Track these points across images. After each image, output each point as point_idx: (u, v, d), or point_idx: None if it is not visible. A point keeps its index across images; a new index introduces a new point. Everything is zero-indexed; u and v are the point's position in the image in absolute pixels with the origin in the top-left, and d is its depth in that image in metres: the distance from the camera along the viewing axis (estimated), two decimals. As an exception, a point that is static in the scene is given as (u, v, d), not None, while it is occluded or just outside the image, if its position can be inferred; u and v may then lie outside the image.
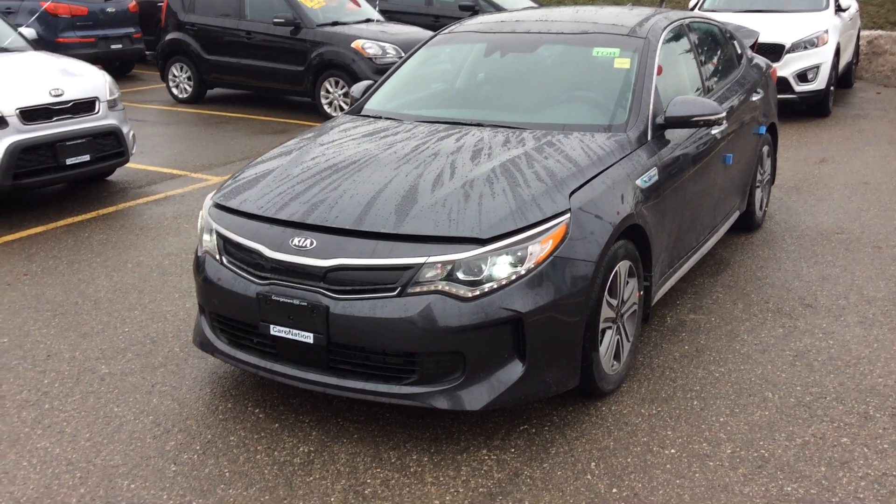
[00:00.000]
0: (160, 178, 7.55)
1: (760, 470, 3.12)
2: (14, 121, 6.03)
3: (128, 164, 7.31)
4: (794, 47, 9.71)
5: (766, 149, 5.91)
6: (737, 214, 5.51)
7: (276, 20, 10.46)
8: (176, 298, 4.79)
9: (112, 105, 6.80)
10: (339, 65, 10.11)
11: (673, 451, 3.25)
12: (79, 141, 6.44)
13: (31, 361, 4.04)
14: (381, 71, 9.64)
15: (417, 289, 3.07)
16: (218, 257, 3.51)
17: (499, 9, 12.60)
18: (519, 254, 3.13)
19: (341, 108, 10.20)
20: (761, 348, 4.11)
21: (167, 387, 3.78)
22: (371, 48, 10.02)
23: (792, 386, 3.74)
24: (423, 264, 3.07)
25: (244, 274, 3.37)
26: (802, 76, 9.73)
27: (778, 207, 6.47)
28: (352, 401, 3.61)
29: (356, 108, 4.68)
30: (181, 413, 3.56)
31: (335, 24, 10.59)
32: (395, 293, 3.08)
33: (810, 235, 5.80)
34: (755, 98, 5.53)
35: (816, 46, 9.76)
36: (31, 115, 6.16)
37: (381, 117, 4.44)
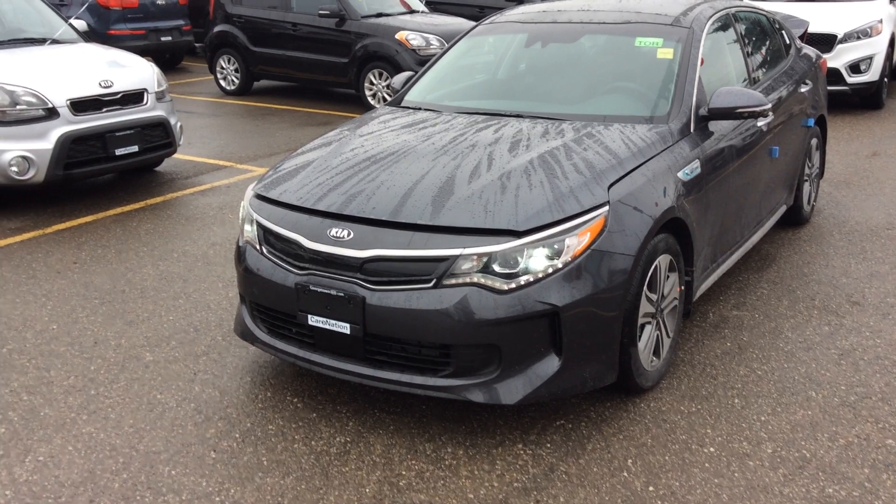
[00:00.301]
0: (206, 169, 7.67)
1: (801, 470, 3.06)
2: (65, 112, 6.17)
3: (175, 155, 7.44)
4: (847, 37, 9.46)
5: (814, 141, 5.78)
6: (783, 209, 5.40)
7: (321, 12, 10.54)
8: (219, 288, 4.87)
9: (160, 96, 6.92)
10: (383, 56, 10.15)
11: (712, 449, 3.21)
12: (128, 132, 6.57)
13: (78, 348, 4.14)
14: (425, 62, 9.64)
15: (453, 281, 3.07)
16: (258, 247, 3.55)
17: (544, -1, 12.49)
18: (556, 246, 3.11)
19: (384, 100, 10.23)
20: (806, 346, 4.02)
21: (209, 375, 3.85)
22: (415, 39, 10.03)
23: (836, 385, 3.66)
24: (458, 256, 3.07)
25: (283, 264, 3.41)
26: (855, 67, 9.48)
27: (827, 202, 6.32)
28: (388, 392, 3.63)
29: (396, 100, 4.69)
30: (222, 401, 3.62)
31: (379, 15, 10.62)
32: (430, 285, 3.09)
33: (860, 231, 5.65)
34: (804, 89, 5.40)
35: (870, 36, 9.50)
36: (81, 106, 6.29)
37: (420, 108, 4.44)
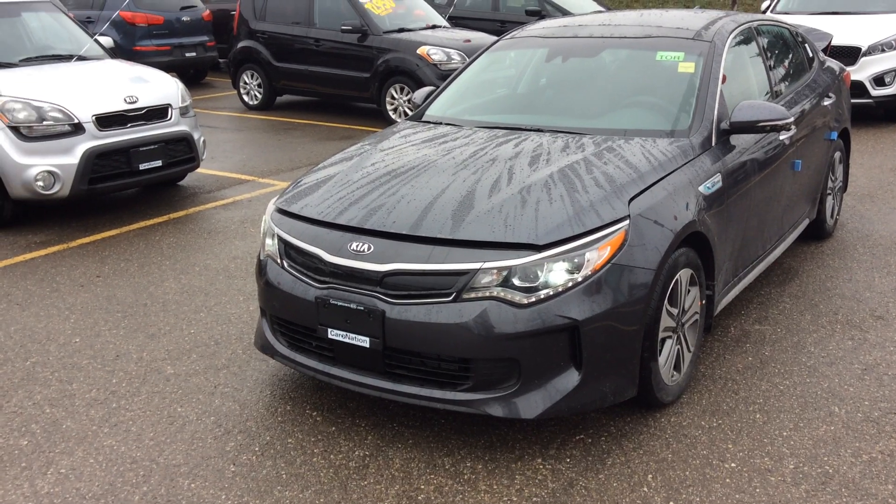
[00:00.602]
0: (229, 184, 7.73)
1: (824, 487, 3.02)
2: (90, 127, 6.26)
3: (198, 170, 7.51)
4: (871, 50, 9.39)
5: (837, 155, 5.73)
6: (806, 222, 5.35)
7: (343, 27, 10.62)
8: (240, 301, 4.90)
9: (184, 112, 7.00)
10: (405, 71, 10.20)
11: (733, 465, 3.17)
12: (152, 147, 6.65)
13: (100, 361, 4.18)
14: (446, 77, 9.69)
15: (473, 294, 3.07)
16: (279, 261, 3.57)
17: (565, 13, 12.53)
18: (576, 260, 3.10)
19: (406, 115, 10.28)
20: (829, 361, 3.98)
21: (229, 388, 3.87)
22: (436, 54, 10.08)
23: (860, 400, 3.61)
24: (478, 270, 3.07)
25: (304, 278, 3.42)
26: (879, 80, 9.40)
27: (850, 216, 6.25)
28: (407, 406, 3.63)
29: (417, 114, 4.71)
30: (242, 414, 3.64)
31: (401, 30, 10.69)
32: (450, 298, 3.09)
33: (884, 245, 5.59)
34: (827, 102, 5.36)
35: (894, 49, 9.42)
36: (106, 121, 6.38)
37: (441, 123, 4.46)
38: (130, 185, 6.72)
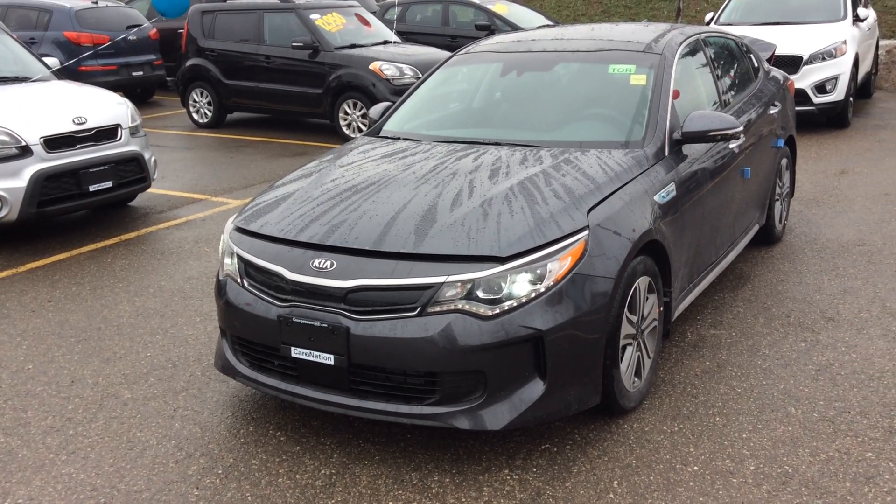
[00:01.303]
0: (181, 203, 7.63)
1: (784, 486, 3.09)
2: (38, 149, 6.13)
3: (149, 190, 7.40)
4: (812, 59, 9.68)
5: (784, 161, 5.89)
6: (756, 228, 5.48)
7: (294, 44, 10.59)
8: (197, 322, 4.83)
9: (134, 132, 6.90)
10: (358, 87, 10.21)
11: (696, 468, 3.23)
12: (101, 168, 6.54)
13: (55, 387, 4.08)
14: (399, 92, 9.72)
15: (437, 308, 3.08)
16: (239, 280, 3.54)
17: (514, 27, 12.67)
18: (538, 271, 3.13)
19: (359, 130, 10.28)
20: (783, 363, 4.07)
21: (189, 411, 3.81)
22: (389, 69, 10.10)
23: (815, 401, 3.70)
24: (442, 283, 3.08)
25: (265, 297, 3.40)
26: (821, 87, 9.69)
27: (798, 220, 6.42)
28: (373, 422, 3.61)
29: (374, 130, 4.72)
30: (203, 437, 3.58)
31: (353, 46, 10.70)
32: (415, 313, 3.10)
33: (831, 248, 5.75)
34: (773, 111, 5.51)
35: (834, 57, 9.73)
36: (54, 143, 6.25)
37: (399, 138, 4.48)
38: (80, 207, 6.60)
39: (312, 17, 10.85)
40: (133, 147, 6.83)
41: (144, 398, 3.94)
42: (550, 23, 13.88)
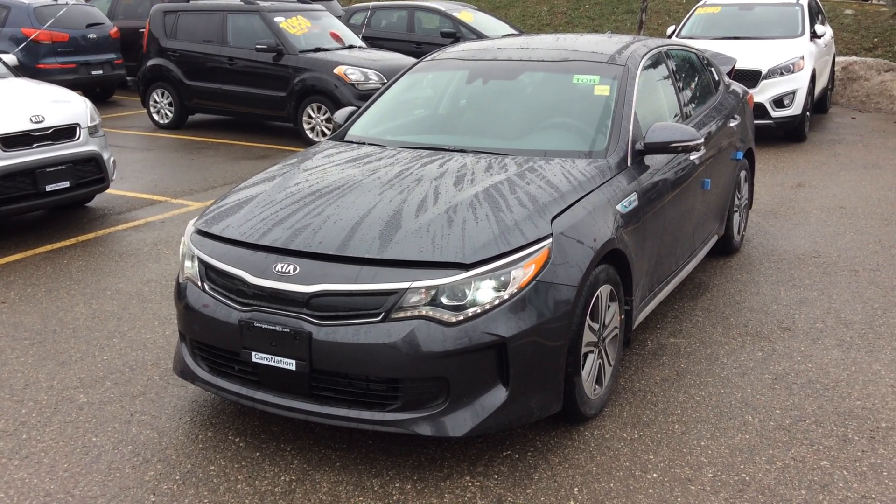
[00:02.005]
0: (140, 205, 7.52)
1: (741, 494, 3.13)
2: (-7, 147, 6.00)
3: (108, 191, 7.28)
4: (771, 73, 9.87)
5: (743, 174, 5.99)
6: (715, 238, 5.57)
7: (258, 46, 10.51)
8: (155, 326, 4.76)
9: (93, 131, 6.79)
10: (322, 90, 10.16)
11: (655, 475, 3.26)
12: (59, 167, 6.41)
13: (8, 391, 3.99)
14: (364, 97, 9.70)
15: (401, 314, 3.07)
16: (200, 284, 3.50)
17: (480, 36, 12.73)
18: (502, 278, 3.14)
19: (323, 134, 10.23)
20: (741, 372, 4.13)
21: (146, 416, 3.75)
22: (353, 74, 10.08)
23: (771, 409, 3.76)
24: (406, 289, 3.08)
25: (226, 301, 3.36)
26: (779, 102, 9.89)
27: (756, 232, 6.54)
28: (334, 428, 3.59)
29: (339, 134, 4.70)
30: (161, 442, 3.53)
31: (317, 50, 10.65)
32: (378, 319, 3.08)
33: (788, 259, 5.86)
34: (732, 124, 5.61)
35: (792, 73, 9.93)
36: (11, 141, 6.12)
37: (364, 143, 4.46)
38: (36, 207, 6.46)
39: (277, 19, 10.79)
40: (92, 147, 6.72)
41: (100, 402, 3.87)
42: (515, 32, 13.97)
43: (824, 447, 3.44)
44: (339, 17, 12.92)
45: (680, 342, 4.49)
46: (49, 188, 6.35)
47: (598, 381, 3.67)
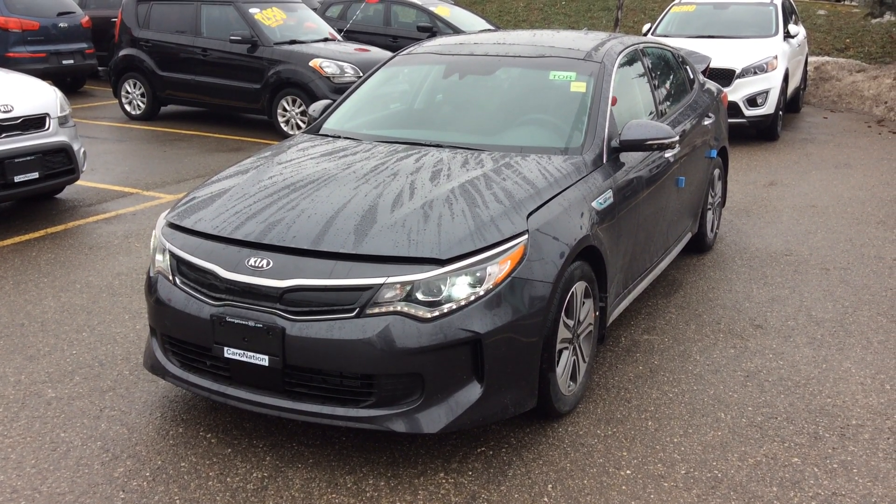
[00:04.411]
0: (111, 196, 7.42)
1: (714, 491, 3.15)
2: (-40, 136, 5.88)
3: (78, 182, 7.17)
4: (745, 72, 9.95)
5: (717, 172, 6.03)
6: (689, 236, 5.60)
7: (232, 38, 10.40)
8: (126, 320, 4.69)
9: (63, 121, 6.68)
10: (297, 83, 10.08)
11: (628, 472, 3.27)
12: (28, 158, 6.30)
13: (-27, 385, 3.91)
14: (340, 90, 9.63)
15: (376, 310, 3.05)
16: (171, 278, 3.45)
17: (457, 31, 12.70)
18: (478, 274, 3.13)
19: (298, 127, 10.15)
20: (713, 369, 4.16)
21: (116, 411, 3.69)
22: (329, 67, 10.01)
23: (744, 406, 3.79)
24: (381, 285, 3.05)
25: (198, 295, 3.32)
26: (752, 101, 9.97)
27: (728, 229, 6.59)
28: (307, 424, 3.56)
29: (314, 128, 4.66)
30: (130, 438, 3.48)
31: (293, 42, 10.56)
32: (353, 314, 3.06)
33: (760, 257, 5.91)
34: (707, 122, 5.64)
35: (766, 72, 10.02)
36: (-23, 130, 6.01)
37: (339, 137, 4.43)
38: (4, 198, 6.34)
39: (251, 10, 10.68)
40: (61, 137, 6.61)
41: (69, 397, 3.80)
42: (492, 27, 13.95)
43: (795, 444, 3.47)
44: (314, 10, 12.81)
45: (653, 339, 4.51)
46: (17, 179, 6.24)
47: (573, 377, 3.67)
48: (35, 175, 6.37)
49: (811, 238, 6.37)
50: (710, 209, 5.94)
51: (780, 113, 10.41)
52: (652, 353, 4.32)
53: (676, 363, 4.22)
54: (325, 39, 11.12)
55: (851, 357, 4.31)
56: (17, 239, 6.13)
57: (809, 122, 11.92)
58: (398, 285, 3.05)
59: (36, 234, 6.25)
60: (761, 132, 10.38)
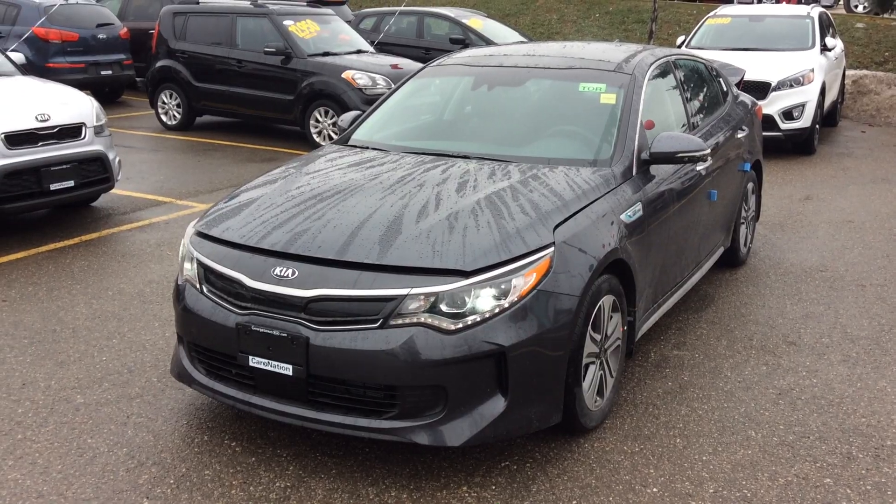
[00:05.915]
0: (145, 205, 7.51)
1: (743, 510, 3.08)
2: (-1, 145, 6.00)
3: (113, 191, 7.28)
4: (780, 85, 9.82)
5: (750, 185, 5.94)
6: (721, 250, 5.52)
7: (267, 49, 10.52)
8: (156, 327, 4.73)
9: (98, 131, 6.78)
10: (329, 94, 10.15)
11: (655, 490, 3.21)
12: (64, 166, 6.41)
13: (5, 390, 3.96)
14: (371, 101, 9.67)
15: (400, 321, 3.04)
16: (198, 286, 3.47)
17: (489, 42, 12.71)
18: (503, 286, 3.11)
19: (330, 138, 10.22)
20: (745, 386, 4.08)
21: (143, 418, 3.72)
22: (361, 79, 10.07)
23: (775, 425, 3.71)
24: (406, 296, 3.04)
25: (224, 303, 3.33)
26: (788, 114, 9.83)
27: (762, 244, 6.48)
28: (330, 435, 3.55)
29: (343, 138, 4.67)
30: (156, 445, 3.50)
31: (326, 54, 10.65)
32: (377, 325, 3.05)
33: (794, 273, 5.81)
34: (740, 135, 5.56)
35: (802, 85, 9.88)
36: (16, 139, 6.12)
37: (367, 147, 4.43)
38: (40, 205, 6.46)
39: (286, 22, 10.79)
40: (97, 146, 6.71)
41: (97, 404, 3.84)
42: (524, 39, 13.94)
43: (828, 464, 3.39)
44: (348, 22, 12.91)
45: (683, 354, 4.44)
46: (53, 187, 6.35)
47: (600, 392, 3.62)
48: (71, 183, 6.48)
49: (847, 254, 6.25)
50: (743, 223, 5.85)
51: (817, 126, 10.25)
52: (682, 369, 4.26)
53: (707, 379, 4.14)
54: (359, 51, 11.20)
55: (887, 376, 4.20)
56: (51, 246, 6.23)
57: (847, 136, 11.73)
58: (422, 296, 3.04)
59: (70, 242, 6.34)
60: (797, 146, 10.23)
